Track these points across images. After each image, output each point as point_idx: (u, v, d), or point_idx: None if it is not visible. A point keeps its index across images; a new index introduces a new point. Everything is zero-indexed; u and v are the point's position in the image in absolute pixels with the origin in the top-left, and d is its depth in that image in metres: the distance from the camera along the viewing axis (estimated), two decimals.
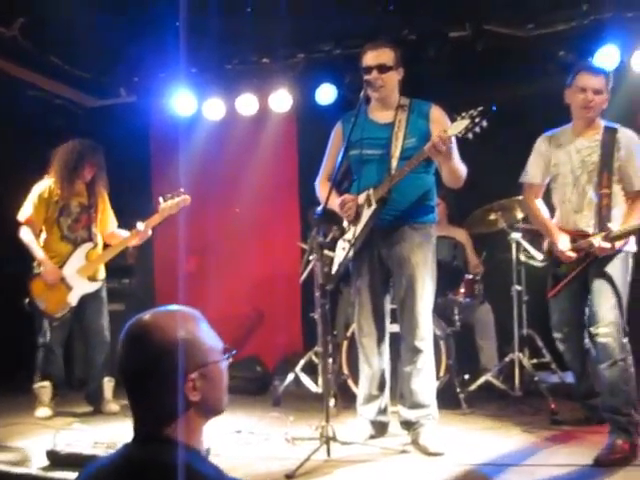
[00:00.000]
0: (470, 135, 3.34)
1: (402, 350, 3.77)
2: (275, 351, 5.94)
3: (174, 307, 1.53)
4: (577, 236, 3.61)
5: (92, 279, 4.77)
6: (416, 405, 3.70)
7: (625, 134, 3.60)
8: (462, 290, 4.97)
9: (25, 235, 4.70)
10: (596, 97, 3.56)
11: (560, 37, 5.30)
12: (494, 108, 3.30)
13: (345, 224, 3.82)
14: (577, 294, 3.67)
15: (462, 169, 3.61)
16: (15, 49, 5.49)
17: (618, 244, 3.44)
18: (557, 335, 3.87)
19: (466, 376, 4.86)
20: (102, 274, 4.86)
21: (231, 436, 4.04)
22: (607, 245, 3.41)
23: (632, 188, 3.56)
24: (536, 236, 4.22)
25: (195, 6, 4.52)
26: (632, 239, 3.58)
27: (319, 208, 3.65)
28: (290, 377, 4.86)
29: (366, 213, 3.64)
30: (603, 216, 3.51)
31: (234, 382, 5.40)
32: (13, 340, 5.44)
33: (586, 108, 3.58)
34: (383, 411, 3.88)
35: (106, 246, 4.91)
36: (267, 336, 6.05)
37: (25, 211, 4.74)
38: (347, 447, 3.56)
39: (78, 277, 4.70)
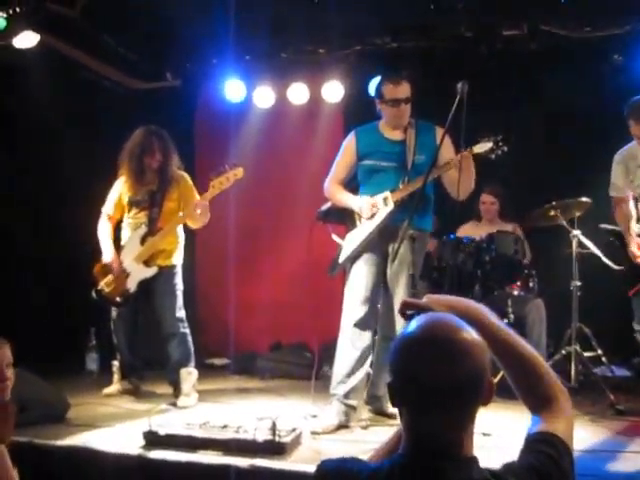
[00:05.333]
0: (493, 156, 3.86)
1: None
2: (318, 338, 6.03)
3: (445, 314, 1.52)
4: None
5: (148, 264, 4.67)
6: None
7: None
8: (518, 284, 5.11)
9: (99, 226, 4.83)
10: None
11: (614, 41, 5.45)
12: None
13: (358, 219, 4.14)
14: None
15: (472, 184, 4.03)
16: (75, 30, 5.51)
17: None
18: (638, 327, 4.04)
19: None
20: (168, 260, 4.72)
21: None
22: None
23: None
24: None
25: None
26: None
27: (326, 205, 4.35)
28: None
29: (382, 212, 4.01)
30: None
31: (286, 367, 5.60)
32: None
33: None
34: None
35: None
36: (311, 323, 6.14)
37: (107, 207, 4.87)
38: None
39: (134, 262, 4.66)
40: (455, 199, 4.08)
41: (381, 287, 4.15)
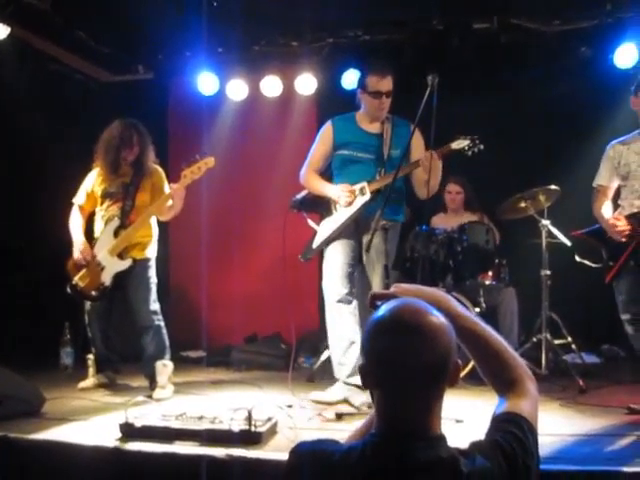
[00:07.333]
0: (469, 153, 3.99)
1: None
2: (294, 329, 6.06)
3: (413, 299, 1.57)
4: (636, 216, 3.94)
5: (122, 257, 4.62)
6: None
7: None
8: (490, 273, 5.18)
9: (71, 217, 4.80)
10: None
11: (583, 34, 5.55)
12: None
13: (333, 207, 4.23)
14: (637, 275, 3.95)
15: (437, 185, 4.16)
16: (44, 23, 5.46)
17: None
18: (625, 317, 4.07)
19: None
20: (142, 253, 4.69)
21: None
22: None
23: None
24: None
25: None
26: None
27: (300, 194, 4.44)
28: (326, 354, 5.01)
29: (358, 201, 4.12)
30: None
31: (261, 358, 5.63)
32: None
33: None
34: None
35: None
36: (286, 314, 6.18)
37: (78, 198, 4.84)
38: None
39: (108, 255, 4.62)
40: (421, 199, 4.21)
41: (357, 270, 4.21)
